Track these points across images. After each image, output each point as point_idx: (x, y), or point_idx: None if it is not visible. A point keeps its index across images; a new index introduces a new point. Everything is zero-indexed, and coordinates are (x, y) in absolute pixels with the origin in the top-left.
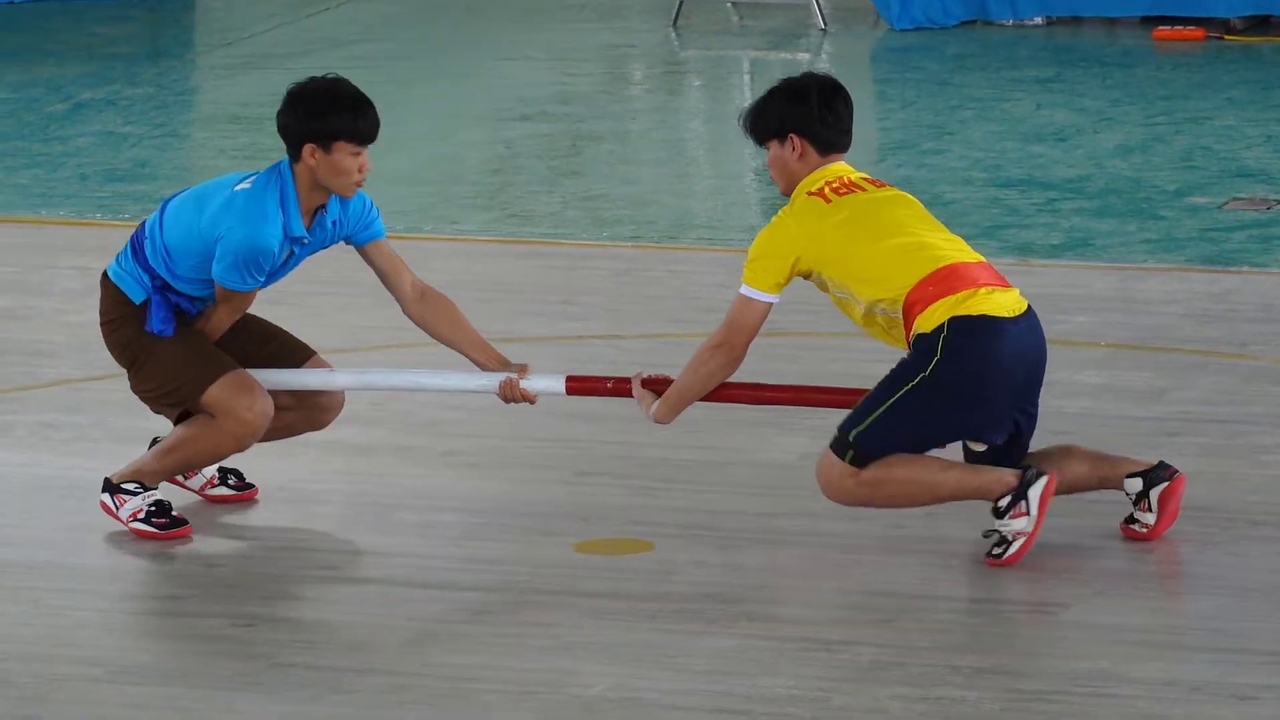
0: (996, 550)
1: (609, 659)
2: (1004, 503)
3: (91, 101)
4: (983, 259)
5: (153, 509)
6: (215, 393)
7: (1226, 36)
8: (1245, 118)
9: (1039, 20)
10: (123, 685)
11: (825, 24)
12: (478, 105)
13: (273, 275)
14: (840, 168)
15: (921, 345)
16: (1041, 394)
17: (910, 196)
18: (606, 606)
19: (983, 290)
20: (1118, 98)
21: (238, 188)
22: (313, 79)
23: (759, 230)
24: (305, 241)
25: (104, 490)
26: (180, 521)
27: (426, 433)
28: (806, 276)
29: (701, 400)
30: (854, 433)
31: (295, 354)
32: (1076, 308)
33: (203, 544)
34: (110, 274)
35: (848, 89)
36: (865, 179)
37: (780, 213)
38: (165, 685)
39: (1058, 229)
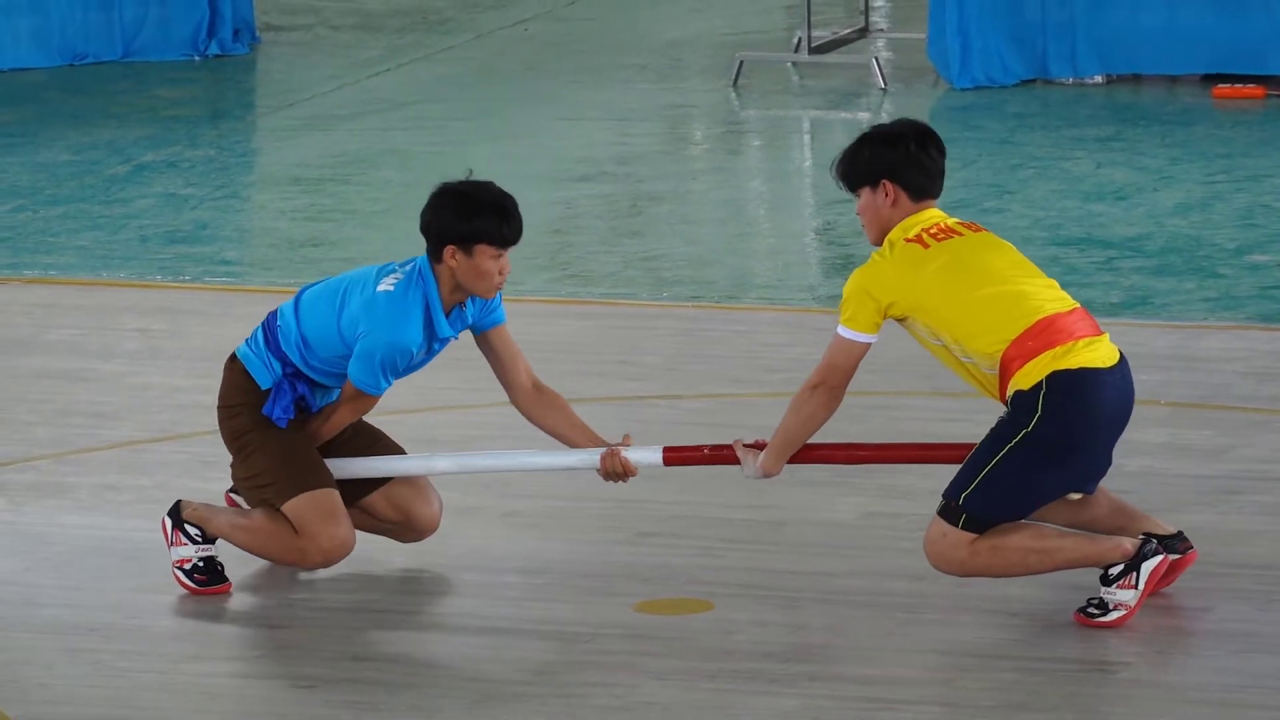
0: (1093, 611)
1: (670, 719)
2: (1115, 570)
3: (152, 163)
4: (1078, 305)
5: (200, 564)
6: (301, 507)
7: None
8: None
9: (1099, 79)
10: None
11: (885, 83)
12: (537, 165)
13: (411, 370)
14: (934, 213)
15: (1020, 403)
16: None
17: (1004, 241)
18: (667, 666)
19: (1080, 343)
20: (1177, 156)
21: (380, 288)
22: (460, 180)
23: (848, 277)
24: (451, 340)
25: (170, 513)
26: (221, 579)
27: (488, 494)
28: (900, 320)
29: (795, 461)
30: (963, 496)
31: (380, 444)
32: (1136, 366)
33: (264, 606)
34: (240, 355)
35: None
36: (961, 224)
37: (876, 254)
38: None
39: (1117, 287)
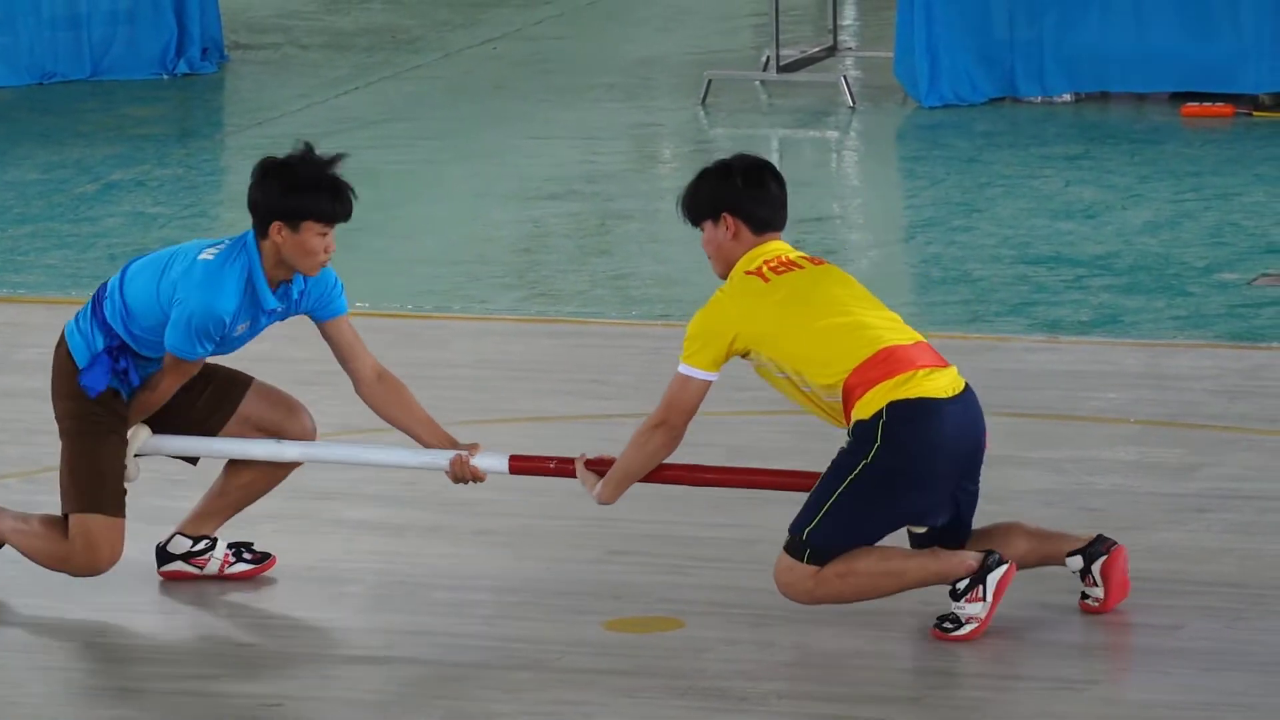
0: (947, 625)
1: None
2: (962, 585)
3: (121, 182)
4: (920, 338)
5: None
6: (86, 524)
7: (1255, 113)
8: (1274, 194)
9: (1067, 97)
10: None
11: (854, 102)
12: (506, 184)
13: (233, 343)
14: (777, 246)
15: (861, 432)
16: (1072, 469)
17: (846, 274)
18: (638, 685)
19: (921, 372)
20: (1146, 174)
21: (200, 256)
22: (289, 155)
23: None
24: (277, 312)
25: None
26: None
27: (458, 512)
28: (744, 356)
29: (643, 481)
30: (806, 531)
31: (234, 387)
32: (1106, 384)
33: (233, 623)
34: (66, 332)
35: (870, 165)
36: (804, 257)
37: (718, 292)
38: None
39: (1086, 306)
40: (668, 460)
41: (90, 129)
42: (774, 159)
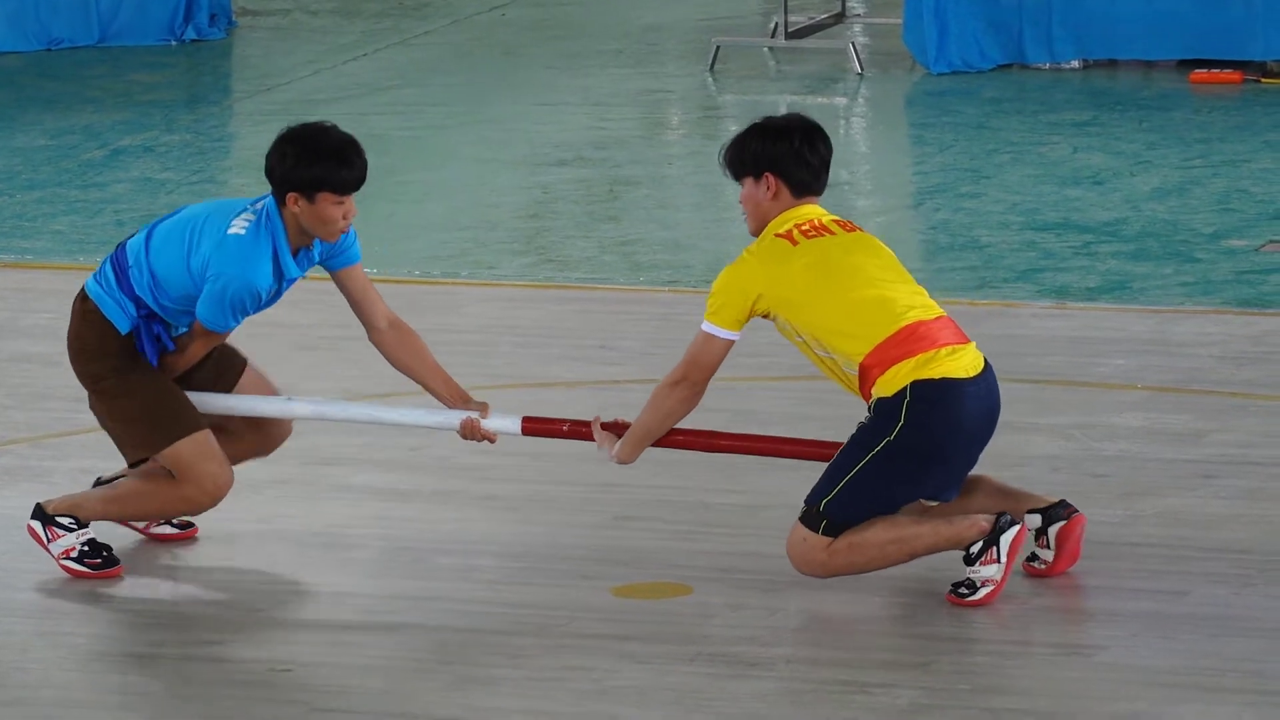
0: (963, 591)
1: (648, 703)
2: (975, 549)
3: (129, 148)
4: (943, 314)
5: (86, 548)
6: (180, 452)
7: (1264, 79)
8: None
9: (1075, 64)
10: None
11: (862, 68)
12: (514, 150)
13: (257, 311)
14: (812, 209)
15: (884, 409)
16: (1079, 435)
17: (877, 241)
18: (645, 650)
19: (943, 351)
20: (1154, 141)
21: (230, 230)
22: (302, 125)
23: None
24: (299, 278)
25: (35, 516)
26: (114, 560)
27: (465, 477)
28: (766, 317)
29: (657, 446)
30: (824, 502)
31: (234, 362)
32: (1114, 350)
33: (240, 588)
34: (91, 294)
35: (879, 132)
36: (836, 221)
37: (745, 251)
38: None
39: (1094, 272)
40: (686, 425)
41: (98, 95)
42: None
